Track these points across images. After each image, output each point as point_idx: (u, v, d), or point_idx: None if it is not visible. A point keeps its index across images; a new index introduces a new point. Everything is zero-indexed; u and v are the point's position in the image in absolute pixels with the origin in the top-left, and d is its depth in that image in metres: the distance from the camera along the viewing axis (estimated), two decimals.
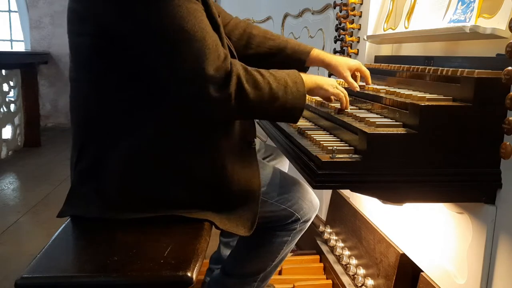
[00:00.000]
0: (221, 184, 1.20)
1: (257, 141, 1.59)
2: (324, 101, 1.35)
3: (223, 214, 1.21)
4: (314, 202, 1.43)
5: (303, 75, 1.20)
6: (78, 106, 1.20)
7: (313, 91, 1.25)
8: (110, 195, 1.16)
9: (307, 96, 1.22)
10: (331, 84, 1.26)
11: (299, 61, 1.47)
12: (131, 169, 1.15)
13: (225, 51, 1.10)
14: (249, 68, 1.13)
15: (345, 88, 1.34)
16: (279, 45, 1.49)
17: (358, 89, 1.39)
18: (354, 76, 1.44)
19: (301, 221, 1.40)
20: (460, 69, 1.09)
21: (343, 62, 1.43)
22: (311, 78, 1.24)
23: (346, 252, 1.81)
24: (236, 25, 1.53)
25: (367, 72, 1.45)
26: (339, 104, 1.28)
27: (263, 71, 1.14)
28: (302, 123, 1.45)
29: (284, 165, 1.76)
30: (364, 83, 1.45)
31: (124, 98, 1.13)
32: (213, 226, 1.20)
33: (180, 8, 1.03)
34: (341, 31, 1.93)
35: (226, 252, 1.70)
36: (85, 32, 1.11)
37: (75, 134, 1.22)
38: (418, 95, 1.12)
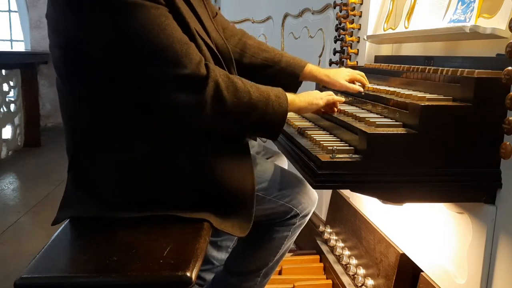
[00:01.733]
0: (213, 184, 1.19)
1: (255, 142, 1.59)
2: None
3: (219, 214, 1.21)
4: (313, 196, 1.44)
5: (292, 95, 1.21)
6: (68, 113, 1.21)
7: (306, 109, 1.26)
8: (108, 195, 1.16)
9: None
10: (320, 97, 1.27)
11: (293, 75, 1.46)
12: (128, 170, 1.15)
13: (200, 56, 1.09)
14: (230, 75, 1.12)
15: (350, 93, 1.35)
16: (273, 58, 1.49)
17: (362, 89, 1.38)
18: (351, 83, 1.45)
19: (300, 215, 1.40)
20: (460, 69, 1.09)
21: (337, 75, 1.44)
22: (299, 97, 1.25)
23: (346, 252, 1.81)
24: (232, 32, 1.53)
25: (363, 79, 1.45)
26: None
27: (245, 80, 1.14)
28: (302, 123, 1.45)
29: (283, 165, 1.75)
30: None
31: (113, 104, 1.12)
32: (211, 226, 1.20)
33: (142, 19, 1.02)
34: (341, 31, 1.93)
35: (212, 251, 1.70)
36: (56, 44, 1.11)
37: (67, 140, 1.23)
38: (418, 95, 1.11)
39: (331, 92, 1.31)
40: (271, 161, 1.48)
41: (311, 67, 1.48)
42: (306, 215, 1.43)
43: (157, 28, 1.03)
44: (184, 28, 1.10)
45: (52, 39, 1.14)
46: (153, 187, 1.16)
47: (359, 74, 1.46)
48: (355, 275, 1.66)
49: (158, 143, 1.15)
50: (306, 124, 1.44)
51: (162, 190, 1.17)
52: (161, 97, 1.09)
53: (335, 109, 1.29)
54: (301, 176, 1.42)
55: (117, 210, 1.15)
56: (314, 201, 1.45)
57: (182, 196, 1.18)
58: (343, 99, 1.31)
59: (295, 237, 1.48)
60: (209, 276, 1.67)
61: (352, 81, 1.44)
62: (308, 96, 1.27)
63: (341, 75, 1.44)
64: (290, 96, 1.20)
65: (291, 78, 1.46)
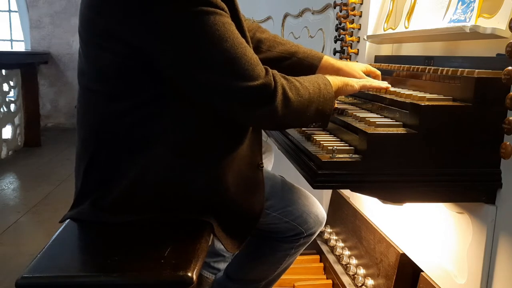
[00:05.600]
0: (223, 204, 1.19)
1: None
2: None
3: (220, 223, 1.21)
4: (320, 216, 1.41)
5: (328, 76, 1.19)
6: (91, 114, 1.16)
7: (342, 89, 1.21)
8: (116, 202, 1.13)
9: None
10: (356, 81, 1.25)
11: (311, 66, 1.44)
12: (141, 181, 1.12)
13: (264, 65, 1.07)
14: (286, 76, 1.10)
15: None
16: (289, 49, 1.47)
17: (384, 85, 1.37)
18: None
19: (305, 235, 1.39)
20: (460, 69, 1.09)
21: (355, 66, 1.43)
22: (336, 77, 1.22)
23: (346, 252, 1.81)
24: (247, 27, 1.50)
25: (378, 72, 1.44)
26: None
27: (297, 77, 1.11)
28: None
29: (270, 161, 1.75)
30: None
31: (142, 113, 1.09)
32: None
33: (217, 26, 0.97)
34: (341, 31, 1.93)
35: (221, 245, 1.70)
36: (110, 48, 1.04)
37: (85, 141, 1.17)
38: (418, 95, 1.12)
39: (368, 78, 1.30)
40: (280, 176, 1.47)
41: (327, 57, 1.46)
42: (311, 235, 1.41)
43: (232, 36, 1.00)
44: (242, 33, 1.08)
45: (96, 39, 1.07)
46: (161, 198, 1.15)
47: (374, 68, 1.46)
48: (355, 275, 1.66)
49: (183, 154, 1.13)
50: None
51: (170, 200, 1.15)
52: (235, 110, 1.06)
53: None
54: (310, 195, 1.42)
55: (121, 214, 1.14)
56: (322, 221, 1.42)
57: (188, 206, 1.17)
58: (382, 85, 1.26)
59: (298, 254, 1.46)
60: (223, 266, 1.68)
61: (368, 74, 1.43)
62: (343, 77, 1.25)
63: (358, 66, 1.44)
64: (328, 77, 1.18)
65: (309, 69, 1.43)
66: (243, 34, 1.09)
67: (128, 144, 1.12)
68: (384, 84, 1.26)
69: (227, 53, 0.99)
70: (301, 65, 1.44)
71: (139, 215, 1.15)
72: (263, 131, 1.60)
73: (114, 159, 1.13)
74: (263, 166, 1.29)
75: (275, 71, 1.08)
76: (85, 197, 1.17)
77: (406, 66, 1.36)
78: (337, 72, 1.44)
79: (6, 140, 4.74)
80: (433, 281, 1.24)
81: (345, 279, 1.72)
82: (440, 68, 1.18)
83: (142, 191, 1.13)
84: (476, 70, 1.02)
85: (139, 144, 1.11)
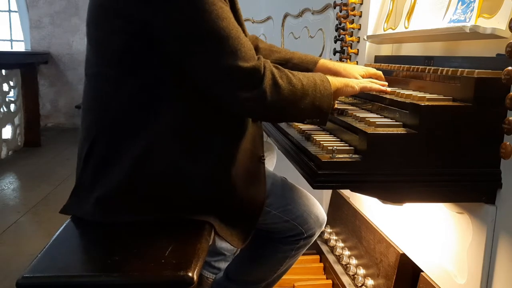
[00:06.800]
0: (226, 194, 1.19)
1: None
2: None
3: (222, 221, 1.20)
4: (321, 217, 1.42)
5: (328, 76, 1.19)
6: (96, 101, 1.17)
7: (342, 90, 1.21)
8: (115, 197, 1.13)
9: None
10: (356, 82, 1.25)
11: (306, 70, 1.44)
12: (140, 171, 1.12)
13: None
14: (278, 66, 1.12)
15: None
16: (285, 56, 1.49)
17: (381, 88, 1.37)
18: None
19: (305, 235, 1.39)
20: (460, 69, 1.09)
21: (353, 69, 1.43)
22: (336, 78, 1.23)
23: (346, 252, 1.81)
24: None
25: (379, 73, 1.44)
26: None
27: (291, 71, 1.13)
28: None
29: (272, 161, 1.75)
30: None
31: (146, 98, 1.11)
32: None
33: (215, 6, 1.02)
34: (341, 31, 1.93)
35: (221, 244, 1.71)
36: (118, 30, 1.08)
37: (88, 129, 1.18)
38: (418, 95, 1.12)
39: (369, 79, 1.31)
40: (280, 176, 1.47)
41: (324, 61, 1.47)
42: (311, 236, 1.41)
43: (228, 18, 1.04)
44: (239, 23, 1.12)
45: (106, 24, 1.11)
46: (161, 191, 1.15)
47: (373, 71, 1.45)
48: (355, 275, 1.66)
49: (175, 146, 1.13)
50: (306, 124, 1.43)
51: (170, 194, 1.15)
52: (220, 86, 1.08)
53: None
54: (311, 196, 1.42)
55: (121, 213, 1.14)
56: (322, 222, 1.43)
57: (189, 202, 1.17)
58: (382, 88, 1.27)
59: (299, 256, 1.47)
60: (223, 265, 1.68)
61: (369, 77, 1.43)
62: (345, 78, 1.26)
63: (357, 70, 1.43)
64: (328, 77, 1.18)
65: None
66: (240, 24, 1.11)
67: (128, 133, 1.13)
68: (385, 87, 1.25)
69: (223, 31, 1.03)
70: (296, 69, 1.45)
71: (139, 214, 1.15)
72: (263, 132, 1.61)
73: (114, 147, 1.14)
74: (264, 159, 1.29)
75: (267, 60, 1.10)
76: (85, 185, 1.17)
77: (406, 66, 1.36)
78: (335, 75, 1.43)
79: (6, 140, 4.74)
80: (433, 281, 1.24)
81: (345, 279, 1.72)
82: (440, 68, 1.18)
83: (142, 182, 1.13)
84: (476, 70, 1.02)
85: (139, 133, 1.12)
